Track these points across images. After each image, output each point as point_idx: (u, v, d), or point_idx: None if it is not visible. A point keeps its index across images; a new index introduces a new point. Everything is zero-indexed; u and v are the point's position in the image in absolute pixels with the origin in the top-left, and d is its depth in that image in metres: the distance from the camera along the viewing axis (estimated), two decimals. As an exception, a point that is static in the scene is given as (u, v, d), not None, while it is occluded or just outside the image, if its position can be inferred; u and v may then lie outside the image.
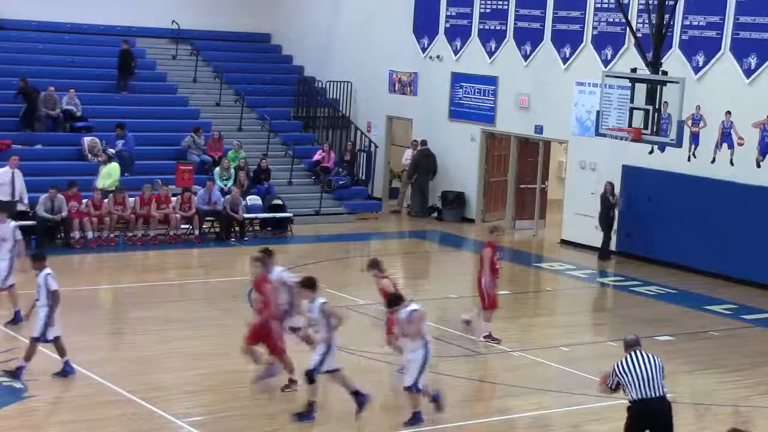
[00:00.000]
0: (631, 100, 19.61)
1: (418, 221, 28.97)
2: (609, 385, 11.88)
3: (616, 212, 24.77)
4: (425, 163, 29.07)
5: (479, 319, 17.91)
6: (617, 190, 24.86)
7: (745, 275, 22.67)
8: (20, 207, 23.20)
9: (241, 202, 25.48)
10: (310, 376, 13.74)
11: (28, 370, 14.82)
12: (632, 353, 11.81)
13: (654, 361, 11.74)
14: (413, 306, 13.91)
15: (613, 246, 25.05)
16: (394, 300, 14.40)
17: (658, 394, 11.62)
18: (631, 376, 11.63)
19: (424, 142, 29.15)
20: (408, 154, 29.69)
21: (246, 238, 25.32)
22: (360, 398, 13.96)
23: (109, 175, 25.08)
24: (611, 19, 25.27)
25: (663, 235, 24.03)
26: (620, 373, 11.70)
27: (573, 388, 15.70)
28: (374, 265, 16.23)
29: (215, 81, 31.26)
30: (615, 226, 24.86)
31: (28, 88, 27.15)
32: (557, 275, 23.71)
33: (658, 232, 24.16)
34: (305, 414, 13.79)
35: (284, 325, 14.95)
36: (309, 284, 14.03)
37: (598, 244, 25.23)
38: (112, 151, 25.73)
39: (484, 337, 17.77)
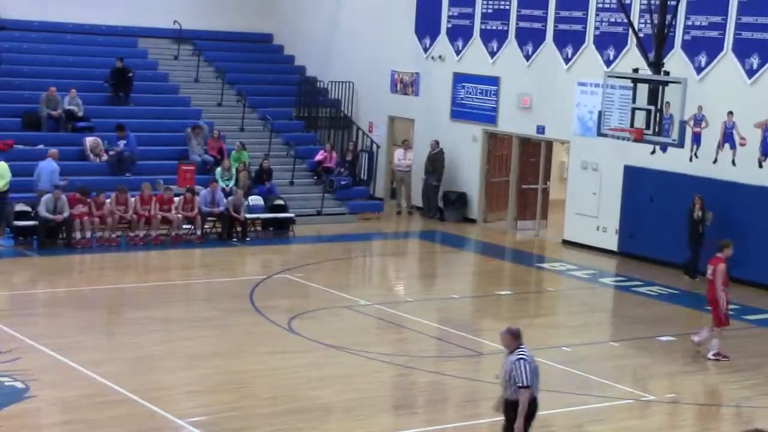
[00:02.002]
0: (633, 101, 19.57)
1: (418, 221, 28.94)
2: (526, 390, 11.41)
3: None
4: (441, 162, 28.98)
5: (712, 336, 17.49)
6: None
7: (746, 276, 22.60)
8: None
9: (244, 203, 25.47)
10: None
11: (29, 369, 14.86)
12: (524, 347, 11.56)
13: None
14: None
15: (614, 246, 25.06)
16: None
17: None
18: (536, 372, 11.56)
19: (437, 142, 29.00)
20: (400, 154, 29.62)
21: (248, 239, 25.32)
22: None
23: (1, 176, 23.61)
24: (613, 20, 25.24)
25: (664, 236, 23.99)
26: (534, 371, 11.44)
27: (574, 389, 15.67)
28: None
29: (217, 81, 31.26)
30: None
31: None
32: (559, 275, 23.67)
33: (659, 233, 24.13)
34: None
35: None
36: None
37: (599, 244, 25.26)
38: None
39: (714, 355, 17.32)
